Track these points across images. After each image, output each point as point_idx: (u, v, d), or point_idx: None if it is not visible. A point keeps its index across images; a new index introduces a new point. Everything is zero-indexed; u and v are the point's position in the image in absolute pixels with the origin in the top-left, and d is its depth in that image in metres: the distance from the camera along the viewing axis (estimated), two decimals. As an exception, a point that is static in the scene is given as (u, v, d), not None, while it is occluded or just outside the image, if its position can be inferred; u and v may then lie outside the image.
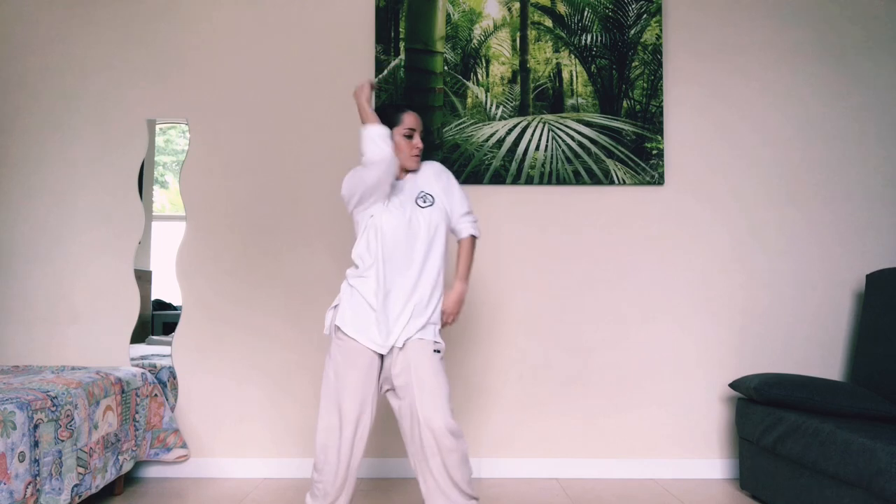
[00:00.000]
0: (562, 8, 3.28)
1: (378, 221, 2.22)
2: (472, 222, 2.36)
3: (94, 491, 2.50)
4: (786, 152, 3.28)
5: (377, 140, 2.17)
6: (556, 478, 3.16)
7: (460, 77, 3.25)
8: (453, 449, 2.09)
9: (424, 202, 2.28)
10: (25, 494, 2.09)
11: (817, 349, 3.22)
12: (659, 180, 3.23)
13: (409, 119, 2.31)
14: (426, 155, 3.17)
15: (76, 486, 2.37)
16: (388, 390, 2.24)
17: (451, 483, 2.10)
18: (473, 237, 2.36)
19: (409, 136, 2.31)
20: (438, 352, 2.21)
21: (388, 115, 2.31)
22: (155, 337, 3.70)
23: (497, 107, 3.25)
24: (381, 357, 2.22)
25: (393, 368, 2.19)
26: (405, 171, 2.35)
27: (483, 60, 3.26)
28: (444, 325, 2.30)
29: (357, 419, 2.17)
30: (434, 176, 2.35)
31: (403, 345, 2.19)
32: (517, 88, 3.26)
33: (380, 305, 2.18)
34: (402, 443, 2.26)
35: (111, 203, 3.24)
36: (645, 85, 3.25)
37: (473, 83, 3.25)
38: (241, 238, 3.24)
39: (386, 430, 3.08)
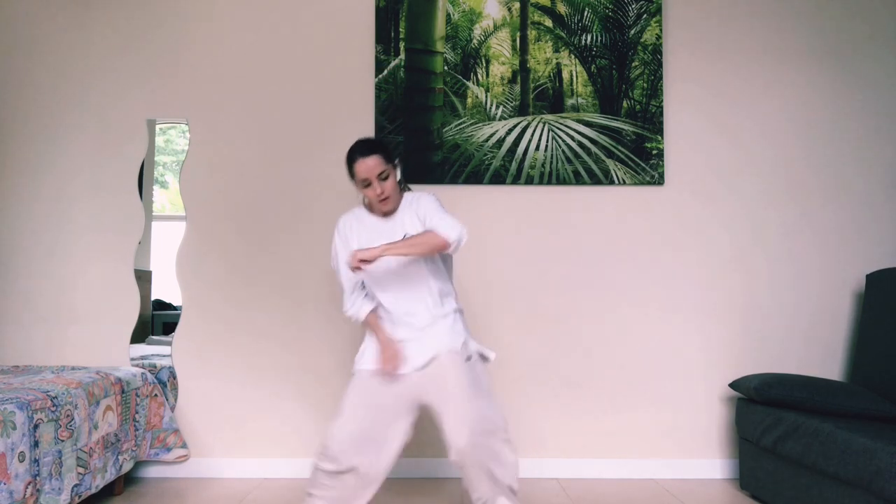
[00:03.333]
0: (562, 8, 3.28)
1: (368, 273, 2.24)
2: (448, 224, 2.13)
3: (94, 491, 2.50)
4: (786, 152, 3.28)
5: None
6: (556, 478, 3.16)
7: (460, 77, 3.25)
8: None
9: None
10: (25, 494, 2.09)
11: (817, 349, 3.22)
12: (659, 180, 3.23)
13: (359, 170, 2.18)
14: (426, 156, 3.20)
15: (76, 486, 2.37)
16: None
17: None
18: (445, 240, 2.11)
19: (366, 186, 2.21)
20: (470, 358, 2.24)
21: (348, 164, 2.22)
22: (155, 337, 3.70)
23: (497, 107, 3.25)
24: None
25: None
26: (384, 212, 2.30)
27: (483, 60, 3.26)
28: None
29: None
30: (412, 212, 2.26)
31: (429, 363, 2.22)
32: (517, 88, 3.26)
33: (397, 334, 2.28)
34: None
35: (111, 203, 3.23)
36: (645, 85, 3.25)
37: (473, 83, 3.25)
38: (241, 238, 3.24)
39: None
